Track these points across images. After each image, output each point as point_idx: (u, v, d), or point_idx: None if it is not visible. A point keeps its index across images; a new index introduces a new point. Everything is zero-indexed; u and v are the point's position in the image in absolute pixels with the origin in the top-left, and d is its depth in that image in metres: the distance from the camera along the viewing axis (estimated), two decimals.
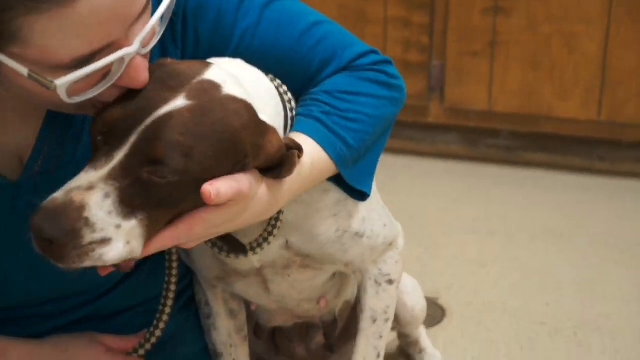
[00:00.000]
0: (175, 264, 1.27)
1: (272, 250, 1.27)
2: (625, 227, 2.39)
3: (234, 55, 1.17)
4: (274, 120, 1.09)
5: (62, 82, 0.90)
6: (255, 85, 1.11)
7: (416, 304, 1.66)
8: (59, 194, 0.95)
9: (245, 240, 1.21)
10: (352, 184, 1.18)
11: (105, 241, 0.96)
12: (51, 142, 1.13)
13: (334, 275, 1.43)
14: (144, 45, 0.96)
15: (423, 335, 1.78)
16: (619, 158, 2.71)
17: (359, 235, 1.30)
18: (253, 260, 1.28)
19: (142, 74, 0.97)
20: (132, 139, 0.97)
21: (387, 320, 1.39)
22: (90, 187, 0.95)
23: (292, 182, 1.09)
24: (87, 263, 0.96)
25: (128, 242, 0.98)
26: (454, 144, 2.86)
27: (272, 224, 1.21)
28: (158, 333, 1.30)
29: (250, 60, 1.18)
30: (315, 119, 1.15)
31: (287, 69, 1.21)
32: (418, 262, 2.16)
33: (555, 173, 2.75)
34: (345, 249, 1.30)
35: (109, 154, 0.97)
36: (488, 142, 2.82)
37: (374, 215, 1.32)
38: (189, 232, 1.00)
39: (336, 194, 1.25)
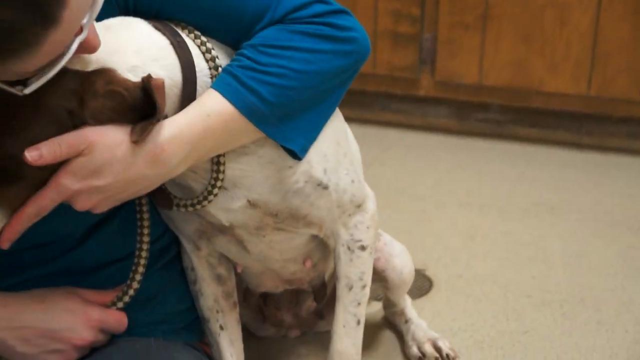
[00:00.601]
0: (146, 215, 1.30)
1: (236, 210, 1.29)
2: (613, 203, 2.41)
3: (161, 8, 1.19)
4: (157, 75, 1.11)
5: (32, 88, 0.98)
6: (123, 43, 1.13)
7: (404, 267, 1.67)
8: None
9: (189, 195, 1.26)
10: (278, 141, 1.20)
11: None
12: None
13: (315, 236, 1.43)
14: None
15: (408, 306, 1.80)
16: (608, 133, 2.72)
17: (322, 186, 1.29)
18: (220, 218, 1.30)
19: (94, 43, 1.03)
20: None
21: (363, 287, 1.40)
22: None
23: (179, 130, 1.12)
24: None
25: None
26: (445, 117, 2.87)
27: (212, 183, 1.23)
28: (135, 285, 1.31)
29: (179, 14, 1.19)
30: (229, 73, 1.16)
31: (219, 23, 1.21)
32: (408, 234, 2.18)
33: (545, 147, 2.76)
34: (311, 201, 1.30)
35: None
36: (478, 115, 2.83)
37: (339, 169, 1.32)
38: (57, 187, 1.07)
39: None
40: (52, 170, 1.08)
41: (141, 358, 1.28)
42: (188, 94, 1.16)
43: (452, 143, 2.80)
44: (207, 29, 1.22)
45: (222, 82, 1.16)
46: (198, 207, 1.26)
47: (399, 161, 2.68)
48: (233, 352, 1.44)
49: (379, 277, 1.64)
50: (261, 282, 1.58)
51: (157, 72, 1.12)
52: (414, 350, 1.73)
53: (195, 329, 1.46)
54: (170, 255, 1.41)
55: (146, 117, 1.09)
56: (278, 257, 1.43)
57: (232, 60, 1.21)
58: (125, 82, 1.08)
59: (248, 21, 1.21)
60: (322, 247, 1.47)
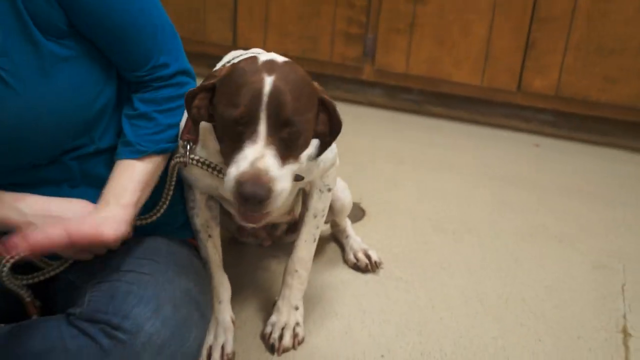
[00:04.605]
0: (175, 178, 1.28)
1: None
2: (494, 163, 2.48)
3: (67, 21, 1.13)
4: None
5: None
6: None
7: (346, 198, 1.73)
8: (247, 167, 1.01)
9: None
10: None
11: (282, 191, 1.04)
12: None
13: (298, 193, 1.49)
14: None
15: (349, 226, 1.85)
16: (493, 113, 2.76)
17: (318, 161, 1.31)
18: None
19: None
20: (263, 116, 1.03)
21: (323, 215, 1.45)
22: (262, 156, 1.02)
23: None
24: (272, 206, 1.03)
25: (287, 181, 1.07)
26: (380, 96, 2.88)
27: None
28: (154, 218, 1.28)
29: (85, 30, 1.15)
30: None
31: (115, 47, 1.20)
32: (349, 178, 2.14)
33: (449, 122, 2.79)
34: (310, 172, 1.32)
35: (254, 131, 1.03)
36: (404, 96, 2.86)
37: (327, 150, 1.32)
38: None
39: None
40: (308, 141, 1.10)
41: (152, 249, 1.26)
42: None
43: (383, 116, 2.82)
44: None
45: None
46: None
47: (345, 127, 2.68)
48: (215, 252, 1.44)
49: (330, 206, 1.66)
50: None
51: None
52: (351, 257, 1.78)
53: (187, 228, 1.43)
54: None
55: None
56: (276, 213, 1.47)
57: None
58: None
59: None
60: (300, 200, 1.51)
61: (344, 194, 1.73)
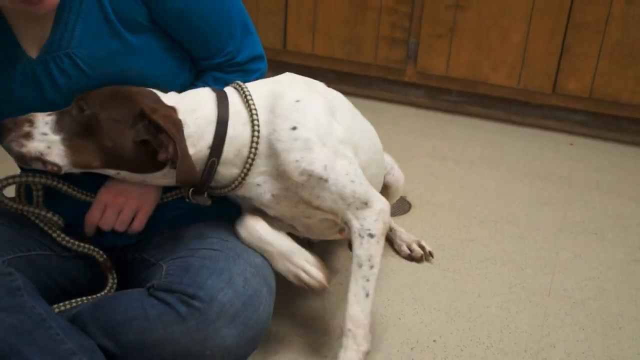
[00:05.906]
0: None
1: (270, 206, 1.20)
2: (532, 160, 2.43)
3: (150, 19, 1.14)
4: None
5: None
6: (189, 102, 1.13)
7: (402, 180, 1.68)
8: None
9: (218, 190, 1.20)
10: None
11: (29, 135, 1.07)
12: (56, 32, 1.12)
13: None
14: None
15: (392, 221, 1.80)
16: (529, 114, 2.72)
17: (323, 179, 1.14)
18: (268, 212, 1.22)
19: None
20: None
21: (371, 267, 1.20)
22: (41, 114, 1.11)
23: None
24: (15, 147, 1.07)
25: (48, 147, 1.07)
26: (421, 97, 2.86)
27: (242, 176, 1.17)
28: (228, 190, 1.21)
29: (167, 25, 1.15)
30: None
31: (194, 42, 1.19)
32: None
33: (486, 121, 2.75)
34: (316, 194, 1.15)
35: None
36: (444, 97, 2.83)
37: (337, 167, 1.15)
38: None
39: (302, 140, 1.14)
40: (119, 145, 1.07)
41: (218, 229, 1.24)
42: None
43: (424, 115, 2.80)
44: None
45: None
46: (226, 191, 1.19)
47: (389, 125, 2.66)
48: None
49: (387, 185, 1.59)
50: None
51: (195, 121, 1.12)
52: (404, 248, 1.73)
53: None
54: None
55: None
56: (318, 232, 1.31)
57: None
58: (176, 116, 1.09)
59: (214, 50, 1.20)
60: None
61: (401, 176, 1.66)
